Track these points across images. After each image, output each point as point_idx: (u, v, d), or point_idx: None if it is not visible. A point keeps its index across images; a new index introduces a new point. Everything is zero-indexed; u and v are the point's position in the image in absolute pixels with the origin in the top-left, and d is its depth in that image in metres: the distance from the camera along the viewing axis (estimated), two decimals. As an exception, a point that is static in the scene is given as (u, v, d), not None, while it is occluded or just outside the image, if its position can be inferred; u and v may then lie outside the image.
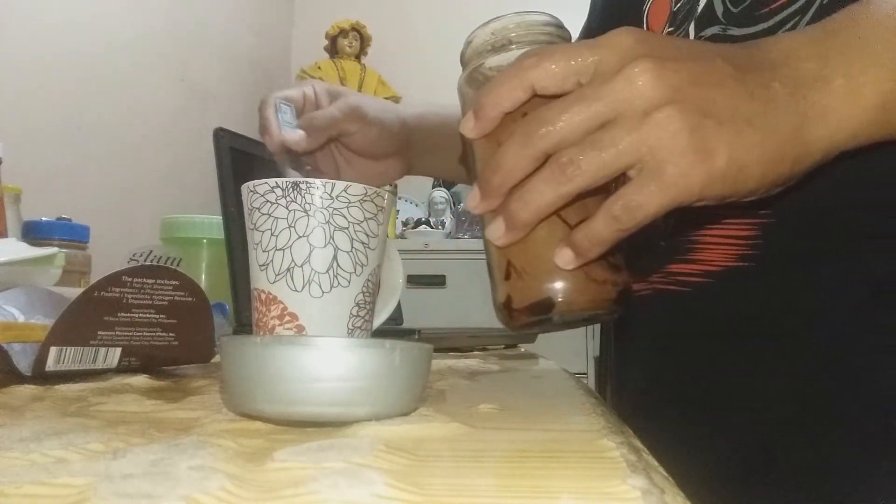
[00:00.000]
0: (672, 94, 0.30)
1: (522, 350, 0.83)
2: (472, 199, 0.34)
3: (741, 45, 0.33)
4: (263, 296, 0.41)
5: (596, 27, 0.62)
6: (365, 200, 0.41)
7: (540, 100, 0.33)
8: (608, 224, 0.31)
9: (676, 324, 0.48)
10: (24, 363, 0.37)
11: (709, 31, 0.45)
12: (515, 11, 0.39)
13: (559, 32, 0.39)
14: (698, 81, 0.30)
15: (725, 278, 0.44)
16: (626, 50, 0.31)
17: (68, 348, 0.38)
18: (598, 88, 0.30)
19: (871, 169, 0.38)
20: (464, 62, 0.40)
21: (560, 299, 0.34)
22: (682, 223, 0.46)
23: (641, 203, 0.30)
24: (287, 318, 0.41)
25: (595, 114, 0.30)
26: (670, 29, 0.50)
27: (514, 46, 0.38)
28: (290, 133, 0.57)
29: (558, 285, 0.34)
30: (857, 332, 0.39)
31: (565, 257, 0.32)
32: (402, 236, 2.23)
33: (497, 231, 0.34)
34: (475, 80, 0.39)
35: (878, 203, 0.39)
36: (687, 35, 0.47)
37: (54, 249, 0.57)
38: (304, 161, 0.61)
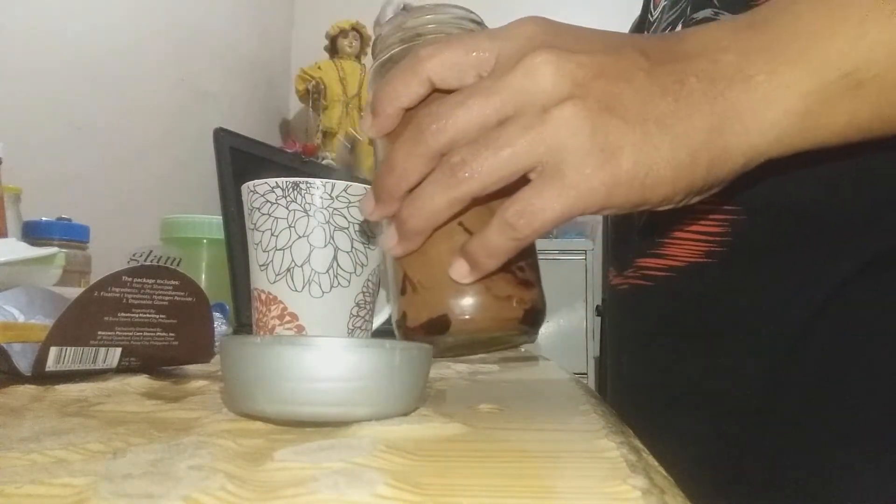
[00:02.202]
0: (573, 88, 0.27)
1: (522, 350, 0.83)
2: (367, 203, 0.31)
3: (661, 36, 0.31)
4: (263, 296, 0.41)
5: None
6: (365, 200, 0.41)
7: (441, 95, 0.30)
8: (502, 232, 0.28)
9: (641, 319, 0.48)
10: (24, 363, 0.37)
11: (701, 14, 0.44)
12: (432, 4, 0.36)
13: (475, 28, 0.36)
14: (604, 75, 0.27)
15: (687, 273, 0.43)
16: (527, 40, 0.28)
17: (68, 348, 0.38)
18: (495, 81, 0.28)
19: (846, 170, 0.37)
20: (374, 56, 0.37)
21: (457, 317, 0.30)
22: (653, 217, 0.45)
23: (538, 209, 0.27)
24: (287, 318, 0.41)
25: (492, 109, 0.28)
26: (665, 3, 0.49)
27: (421, 40, 0.35)
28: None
29: (455, 301, 0.30)
30: (819, 332, 0.39)
31: (460, 270, 0.29)
32: (402, 236, 2.23)
33: (390, 240, 0.31)
34: (382, 77, 0.36)
35: (851, 202, 0.39)
36: (684, 14, 0.45)
37: (54, 249, 0.57)
38: None
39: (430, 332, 0.31)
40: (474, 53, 0.29)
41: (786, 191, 0.38)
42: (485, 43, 0.29)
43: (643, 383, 0.49)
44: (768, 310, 0.40)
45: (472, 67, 0.29)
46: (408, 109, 0.31)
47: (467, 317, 0.30)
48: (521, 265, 0.31)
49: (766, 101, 0.28)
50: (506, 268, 0.30)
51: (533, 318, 0.31)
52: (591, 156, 0.27)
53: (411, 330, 0.32)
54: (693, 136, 0.28)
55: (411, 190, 0.30)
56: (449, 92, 0.30)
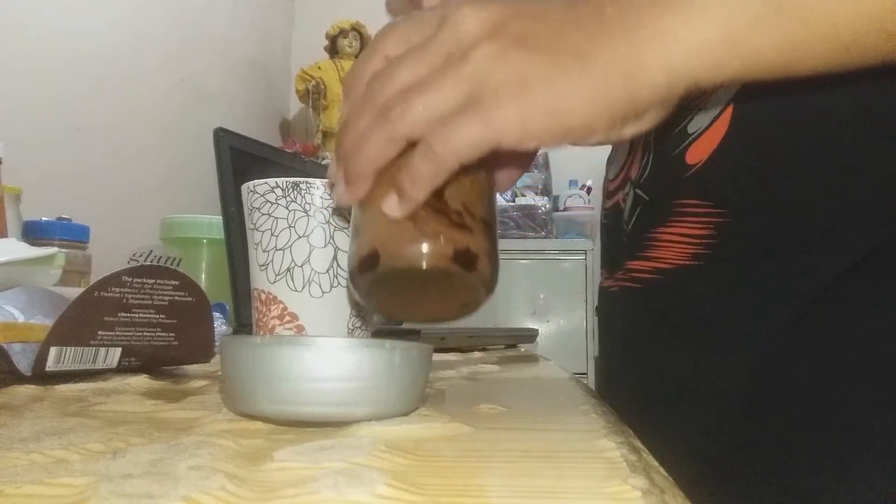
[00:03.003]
0: (491, 29, 0.30)
1: (522, 350, 0.83)
2: (331, 168, 0.34)
3: None
4: (263, 296, 0.41)
5: None
6: (365, 200, 0.41)
7: None
8: (424, 155, 0.30)
9: (631, 320, 0.48)
10: (24, 363, 0.37)
11: None
12: None
13: None
14: (521, 14, 0.30)
15: (675, 276, 0.44)
16: (457, 4, 0.31)
17: (68, 348, 0.38)
18: (429, 42, 0.31)
19: (832, 167, 0.37)
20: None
21: (385, 251, 0.31)
22: (641, 220, 0.46)
23: (457, 133, 0.29)
24: (287, 318, 0.41)
25: (425, 62, 0.31)
26: None
27: None
28: None
29: (384, 237, 0.31)
30: (808, 331, 0.39)
31: (391, 202, 0.31)
32: (402, 236, 2.23)
33: (339, 188, 0.33)
34: None
35: (837, 201, 0.39)
36: None
37: (54, 249, 0.57)
38: None
39: (363, 269, 0.32)
40: (419, 26, 0.32)
41: (771, 192, 0.38)
42: (428, 16, 0.32)
43: (637, 383, 0.49)
44: (756, 310, 0.41)
45: (417, 38, 0.32)
46: None
47: (394, 250, 0.31)
48: (460, 212, 0.32)
49: (686, 20, 0.29)
50: (440, 210, 0.31)
51: (466, 259, 0.31)
52: (506, 87, 0.29)
53: (351, 274, 0.33)
54: (604, 55, 0.29)
55: None
56: None
